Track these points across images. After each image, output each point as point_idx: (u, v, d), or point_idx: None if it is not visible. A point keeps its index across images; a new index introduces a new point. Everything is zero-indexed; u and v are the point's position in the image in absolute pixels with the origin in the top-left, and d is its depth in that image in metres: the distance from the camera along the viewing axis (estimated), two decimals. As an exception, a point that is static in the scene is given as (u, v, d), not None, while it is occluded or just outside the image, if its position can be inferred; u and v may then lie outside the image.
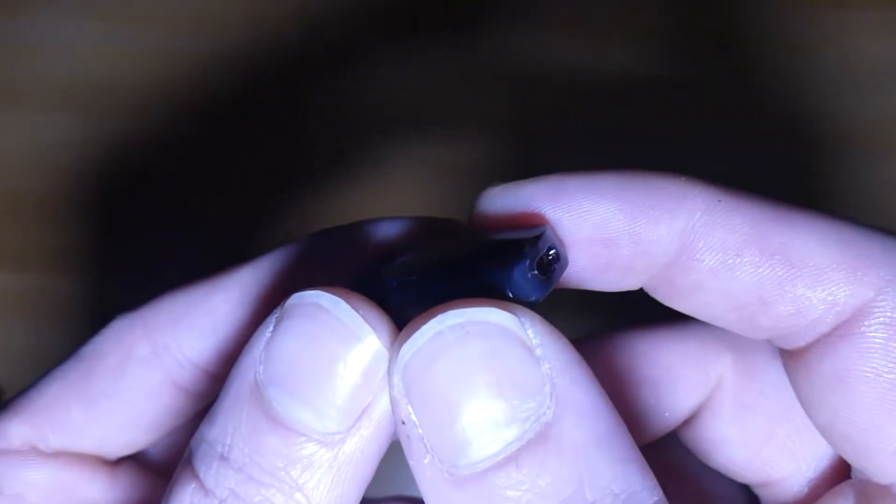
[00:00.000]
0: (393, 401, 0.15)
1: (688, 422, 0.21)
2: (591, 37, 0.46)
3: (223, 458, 0.15)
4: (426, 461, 0.15)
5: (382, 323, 0.15)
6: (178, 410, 0.20)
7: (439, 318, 0.15)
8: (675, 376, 0.21)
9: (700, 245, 0.16)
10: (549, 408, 0.14)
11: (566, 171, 0.17)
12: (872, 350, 0.16)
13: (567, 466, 0.14)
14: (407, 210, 0.20)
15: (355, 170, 0.44)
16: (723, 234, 0.16)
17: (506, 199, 0.17)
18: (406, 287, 0.16)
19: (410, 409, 0.15)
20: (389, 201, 0.42)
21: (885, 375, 0.16)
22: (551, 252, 0.16)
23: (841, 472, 0.19)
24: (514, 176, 0.18)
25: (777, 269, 0.16)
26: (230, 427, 0.16)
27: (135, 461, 0.21)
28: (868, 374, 0.16)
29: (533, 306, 0.16)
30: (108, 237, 0.43)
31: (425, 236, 0.19)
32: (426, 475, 0.15)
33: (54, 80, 0.46)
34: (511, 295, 0.15)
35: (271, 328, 0.16)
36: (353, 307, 0.15)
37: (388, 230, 0.19)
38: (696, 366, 0.21)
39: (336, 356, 0.15)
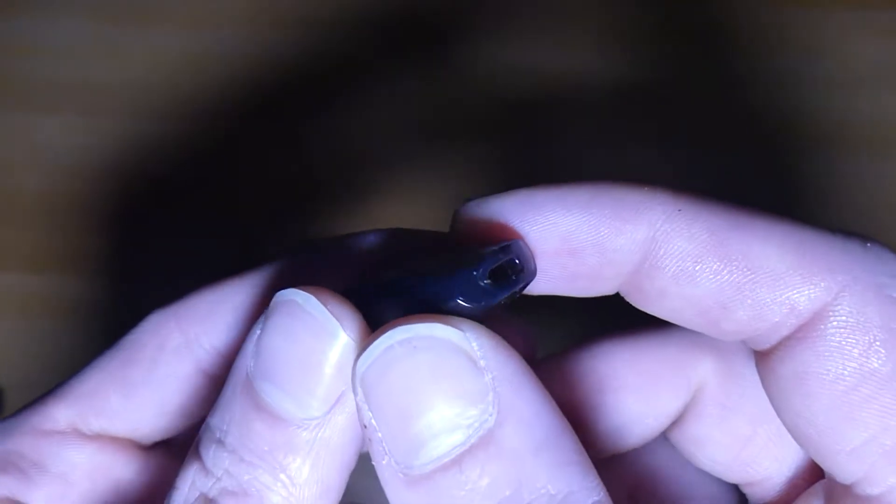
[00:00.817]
0: (357, 406, 0.16)
1: (673, 424, 0.22)
2: (586, 42, 0.46)
3: (220, 442, 0.17)
4: (384, 462, 0.16)
5: (352, 319, 0.17)
6: (206, 399, 0.21)
7: (389, 333, 0.16)
8: (658, 382, 0.21)
9: (661, 253, 0.17)
10: (491, 415, 0.15)
11: (539, 185, 0.18)
12: (829, 352, 0.16)
13: (506, 469, 0.15)
14: (408, 215, 0.21)
15: (361, 178, 0.44)
16: (682, 242, 0.17)
17: (480, 213, 0.18)
18: (379, 293, 0.18)
19: (370, 415, 0.16)
20: (396, 207, 0.43)
21: (841, 378, 0.16)
22: (514, 262, 0.17)
23: (818, 471, 0.20)
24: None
25: (735, 275, 0.17)
26: (227, 415, 0.17)
27: (167, 447, 0.22)
28: (825, 376, 0.16)
29: (499, 312, 0.17)
30: (108, 237, 0.43)
31: (419, 246, 0.20)
32: (385, 475, 0.16)
33: (54, 80, 0.46)
34: (462, 301, 0.17)
35: (261, 325, 0.17)
36: (322, 303, 0.16)
37: (393, 240, 0.20)
38: (677, 371, 0.21)
39: (311, 349, 0.16)
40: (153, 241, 0.43)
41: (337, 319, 0.16)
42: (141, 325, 0.21)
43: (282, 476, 0.17)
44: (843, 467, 0.17)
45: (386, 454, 0.16)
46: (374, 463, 0.16)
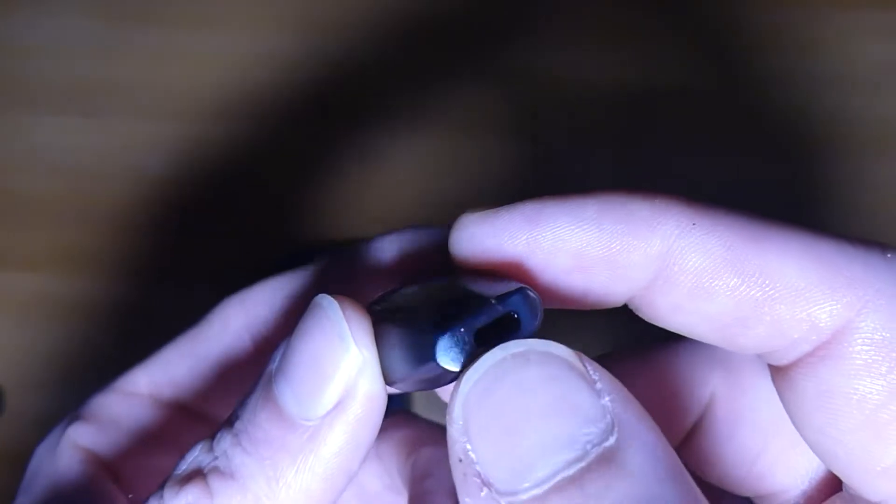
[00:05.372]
0: (451, 440, 0.15)
1: (682, 441, 0.21)
2: (585, 42, 0.46)
3: (230, 424, 0.18)
4: (483, 494, 0.15)
5: (364, 330, 0.17)
6: None
7: (502, 346, 0.15)
8: (668, 400, 0.21)
9: (676, 269, 0.16)
10: (612, 435, 0.14)
11: (546, 197, 0.17)
12: (855, 371, 0.16)
13: (633, 490, 0.14)
14: (421, 209, 0.21)
15: (374, 178, 0.44)
16: (698, 258, 0.16)
17: (482, 229, 0.17)
18: (383, 318, 0.17)
19: (469, 446, 0.15)
20: (409, 208, 0.43)
21: (870, 397, 0.15)
22: (512, 317, 0.16)
23: (835, 484, 0.19)
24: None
25: (754, 290, 0.16)
26: (245, 401, 0.18)
27: None
28: (853, 396, 0.16)
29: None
30: (108, 237, 0.43)
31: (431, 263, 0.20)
32: None
33: (54, 80, 0.46)
34: (436, 356, 0.16)
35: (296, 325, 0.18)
36: (343, 310, 0.16)
37: (429, 240, 0.20)
38: (687, 386, 0.21)
39: (322, 352, 0.17)
40: (153, 242, 0.43)
41: (350, 328, 0.16)
42: (215, 307, 0.23)
43: (268, 471, 0.17)
44: (873, 485, 0.16)
45: (484, 486, 0.15)
46: (464, 501, 0.15)
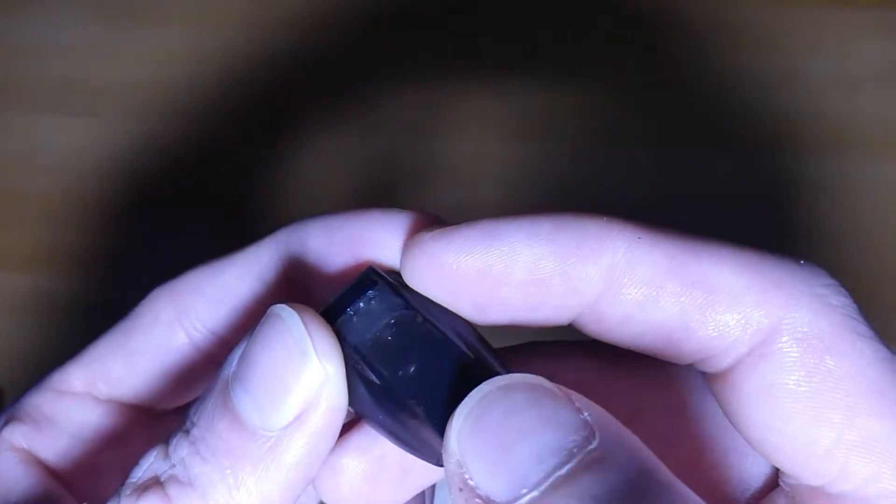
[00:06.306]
0: (449, 474, 0.16)
1: None
2: (584, 41, 0.46)
3: (186, 432, 0.18)
4: None
5: (328, 344, 0.17)
6: (201, 371, 0.23)
7: (487, 382, 0.17)
8: None
9: (625, 280, 0.18)
10: (595, 440, 0.16)
11: (499, 215, 0.18)
12: (791, 363, 0.17)
13: (619, 478, 0.15)
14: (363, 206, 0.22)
15: (363, 168, 0.44)
16: (644, 268, 0.18)
17: (439, 245, 0.18)
18: (361, 364, 0.18)
19: (467, 476, 0.16)
20: (397, 198, 0.42)
21: (805, 385, 0.17)
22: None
23: (769, 484, 0.20)
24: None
25: (696, 297, 0.18)
26: (200, 408, 0.18)
27: (179, 416, 0.24)
28: (791, 386, 0.17)
29: None
30: (108, 237, 0.43)
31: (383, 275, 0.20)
32: None
33: (54, 80, 0.46)
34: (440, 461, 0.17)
35: (251, 333, 0.18)
36: (305, 324, 0.17)
37: (383, 224, 0.20)
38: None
39: (283, 364, 0.17)
40: (153, 242, 0.43)
41: (313, 342, 0.17)
42: (144, 299, 0.23)
43: (228, 479, 0.17)
44: (815, 469, 0.18)
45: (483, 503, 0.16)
46: None
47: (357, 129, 0.44)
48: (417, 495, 0.21)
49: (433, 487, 0.22)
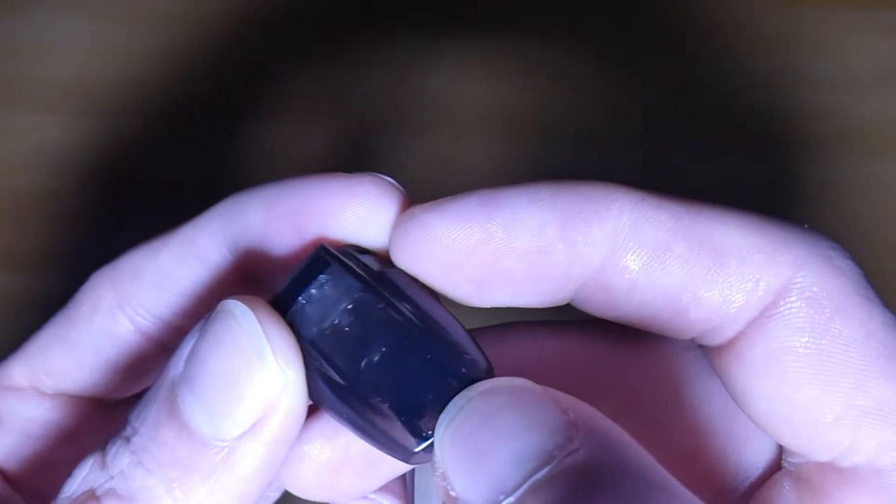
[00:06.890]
0: (436, 486, 0.16)
1: None
2: (582, 41, 0.46)
3: (126, 440, 0.16)
4: None
5: (286, 344, 0.16)
6: (151, 359, 0.21)
7: (469, 388, 0.16)
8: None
9: (630, 244, 0.17)
10: (580, 442, 0.15)
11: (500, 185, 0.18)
12: (799, 325, 0.17)
13: (607, 477, 0.15)
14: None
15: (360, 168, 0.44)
16: (651, 230, 0.17)
17: (433, 218, 0.17)
18: (320, 357, 0.17)
19: (448, 487, 0.15)
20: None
21: (815, 347, 0.17)
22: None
23: (770, 469, 0.20)
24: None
25: (704, 258, 0.17)
26: (143, 413, 0.16)
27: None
28: (800, 349, 0.17)
29: None
30: (107, 237, 0.43)
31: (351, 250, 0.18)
32: None
33: (54, 80, 0.46)
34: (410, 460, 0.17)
35: (199, 330, 0.16)
36: (260, 321, 0.16)
37: (331, 192, 0.19)
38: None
39: (236, 369, 0.16)
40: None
41: (270, 344, 0.16)
42: (83, 285, 0.21)
43: (175, 492, 0.16)
44: (826, 441, 0.17)
45: None
46: None
47: (345, 125, 0.44)
48: (398, 478, 0.20)
49: (413, 471, 0.20)
